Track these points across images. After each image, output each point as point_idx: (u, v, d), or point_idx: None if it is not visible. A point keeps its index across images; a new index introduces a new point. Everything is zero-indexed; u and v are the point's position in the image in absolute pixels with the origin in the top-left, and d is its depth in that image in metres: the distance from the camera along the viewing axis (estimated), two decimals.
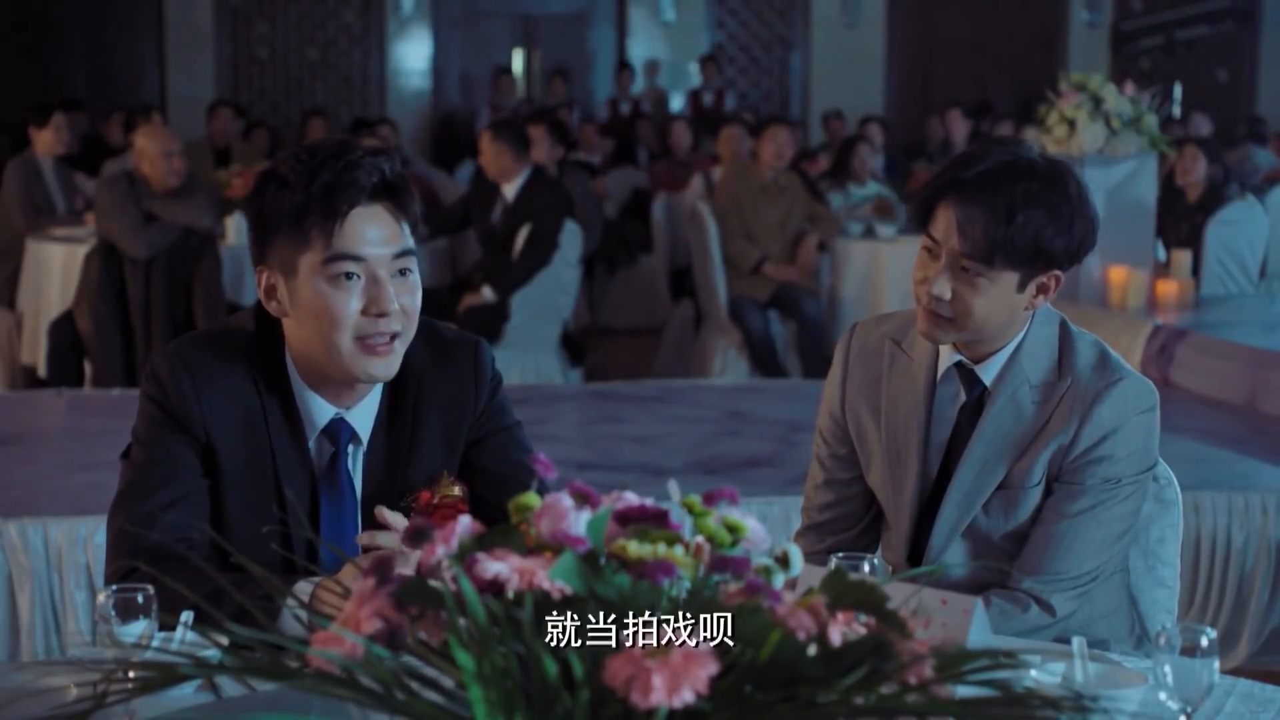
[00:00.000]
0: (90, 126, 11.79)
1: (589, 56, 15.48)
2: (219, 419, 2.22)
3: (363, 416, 2.27)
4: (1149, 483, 2.46)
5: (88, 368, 6.60)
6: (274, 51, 14.84)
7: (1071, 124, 6.66)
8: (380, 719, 1.26)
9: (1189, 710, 1.73)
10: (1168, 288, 6.83)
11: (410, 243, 2.19)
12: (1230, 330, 6.30)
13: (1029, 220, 2.26)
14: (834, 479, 2.57)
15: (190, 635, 1.73)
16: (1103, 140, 6.65)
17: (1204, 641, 1.71)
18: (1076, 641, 1.83)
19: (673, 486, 1.37)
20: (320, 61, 14.91)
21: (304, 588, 1.96)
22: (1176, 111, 12.99)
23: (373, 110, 14.46)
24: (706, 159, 10.54)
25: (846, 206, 8.69)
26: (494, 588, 1.23)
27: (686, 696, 1.14)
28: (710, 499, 1.35)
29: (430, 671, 1.26)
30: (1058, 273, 2.34)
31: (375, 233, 2.15)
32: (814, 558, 2.51)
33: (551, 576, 1.23)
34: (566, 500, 1.30)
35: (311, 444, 2.26)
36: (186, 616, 1.80)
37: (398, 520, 2.02)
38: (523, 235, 7.03)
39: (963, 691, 1.25)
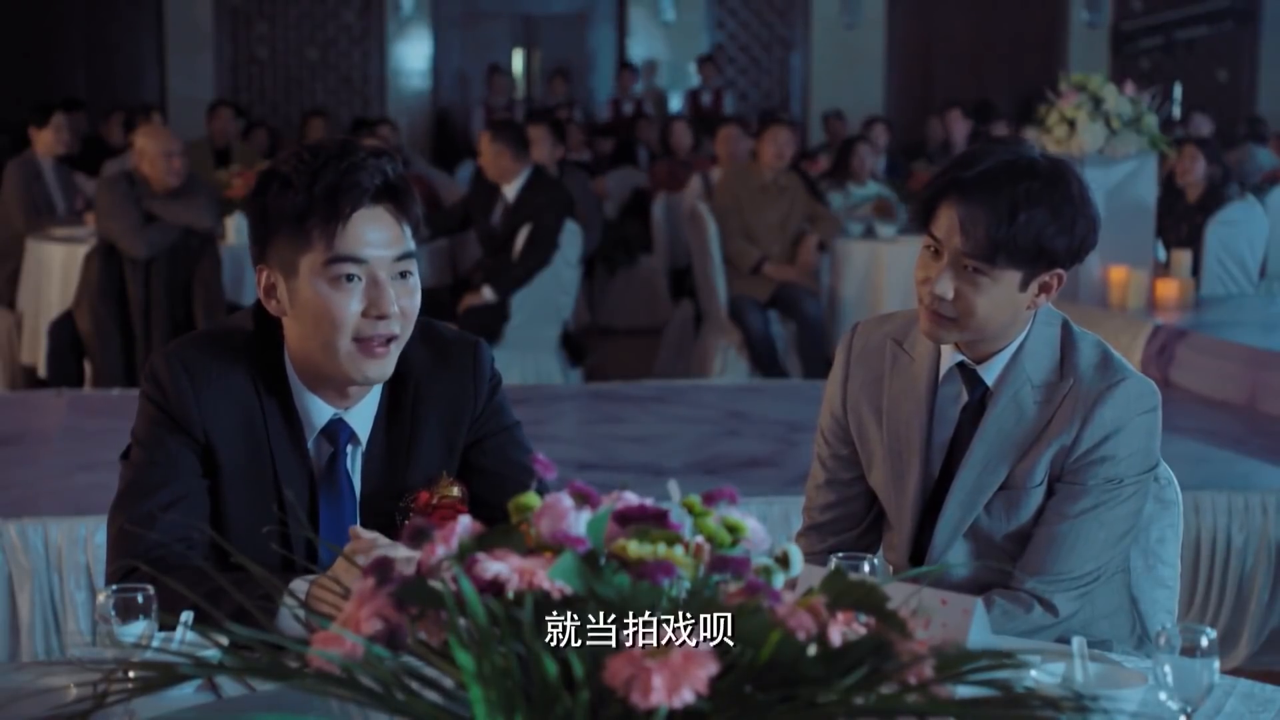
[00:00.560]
0: (90, 127, 11.79)
1: (589, 56, 15.48)
2: (218, 419, 2.22)
3: (361, 417, 2.27)
4: (1151, 483, 2.46)
5: (88, 368, 6.60)
6: (274, 51, 14.84)
7: (1071, 124, 6.66)
8: (380, 719, 1.26)
9: (1189, 710, 1.73)
10: (1168, 288, 6.83)
11: (411, 245, 2.19)
12: (1230, 330, 6.30)
13: (1031, 219, 2.26)
14: (835, 479, 2.57)
15: (190, 635, 1.74)
16: (1103, 140, 6.65)
17: (1204, 641, 1.71)
18: (1076, 641, 1.83)
19: (673, 486, 1.37)
20: (320, 61, 14.91)
21: (300, 586, 1.96)
22: (1177, 112, 12.99)
23: (373, 110, 14.46)
24: (706, 159, 10.54)
25: (846, 206, 8.69)
26: (494, 588, 1.23)
27: (686, 696, 1.14)
28: (710, 499, 1.35)
29: (430, 671, 1.26)
30: (1060, 271, 2.34)
31: (377, 235, 2.15)
32: (815, 558, 2.51)
33: (551, 576, 1.23)
34: (566, 500, 1.30)
35: (310, 444, 2.26)
36: (186, 616, 1.80)
37: (375, 537, 2.01)
38: (523, 235, 7.03)
39: (963, 691, 1.25)
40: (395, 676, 1.23)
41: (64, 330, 6.62)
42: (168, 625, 1.80)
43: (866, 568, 1.91)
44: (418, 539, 1.31)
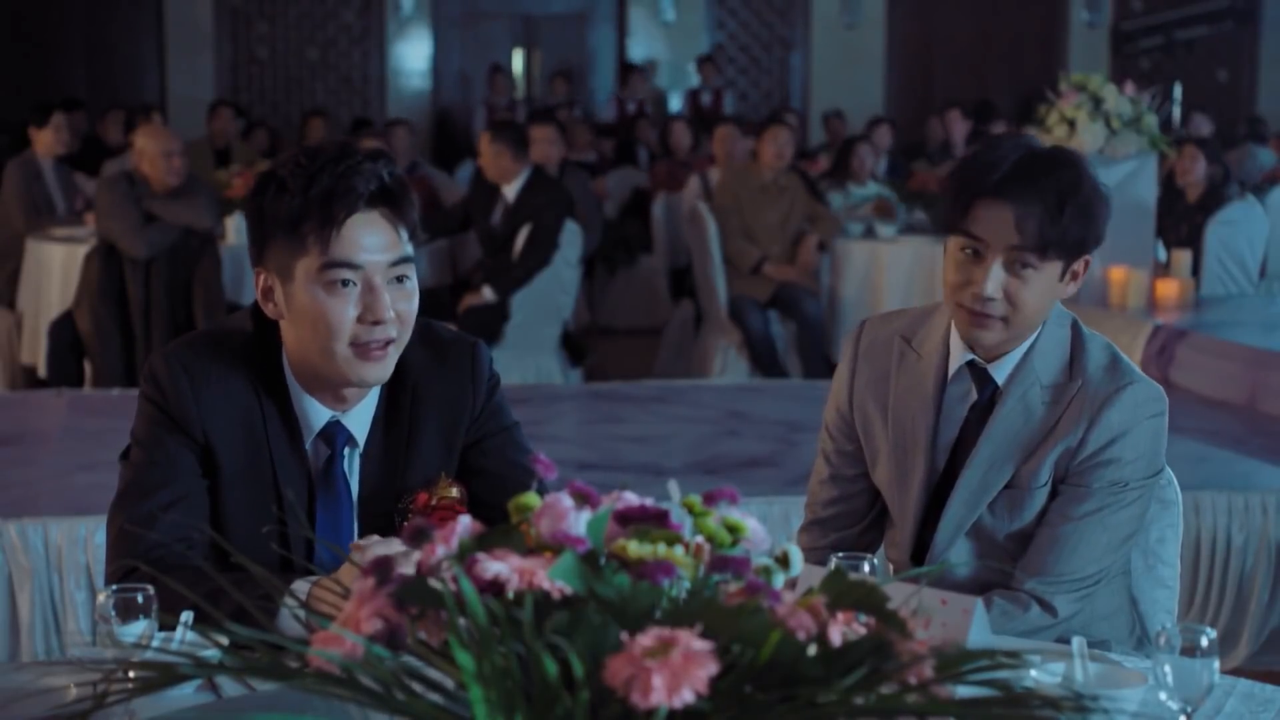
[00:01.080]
0: (89, 127, 11.78)
1: (589, 56, 15.48)
2: (217, 420, 2.22)
3: (359, 419, 2.27)
4: (1155, 488, 2.46)
5: (88, 368, 6.60)
6: (274, 51, 14.84)
7: (1071, 124, 6.65)
8: (380, 719, 1.26)
9: (1189, 710, 1.73)
10: (1168, 288, 6.83)
11: (408, 250, 2.18)
12: (1230, 330, 6.30)
13: (1075, 208, 2.29)
14: (839, 474, 2.57)
15: (190, 635, 1.74)
16: (1103, 140, 6.65)
17: (1204, 641, 1.71)
18: (1076, 641, 1.83)
19: (673, 486, 1.37)
20: (320, 61, 14.91)
21: (301, 587, 1.96)
22: (1177, 112, 12.99)
23: (373, 110, 14.47)
24: (706, 159, 10.55)
25: (846, 206, 8.69)
26: (494, 588, 1.23)
27: (686, 696, 1.13)
28: (710, 499, 1.35)
29: (431, 672, 1.26)
30: (1088, 257, 2.36)
31: (372, 240, 2.14)
32: (817, 553, 2.51)
33: (551, 576, 1.23)
34: (566, 500, 1.30)
35: (308, 446, 2.26)
36: (186, 616, 1.80)
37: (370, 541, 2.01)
38: (523, 235, 7.03)
39: (963, 691, 1.25)
40: (395, 676, 1.23)
41: (64, 330, 6.62)
42: (168, 625, 1.80)
43: (866, 568, 1.91)
44: (418, 539, 1.31)
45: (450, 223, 7.73)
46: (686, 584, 1.28)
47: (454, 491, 2.21)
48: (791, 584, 1.36)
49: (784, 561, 1.35)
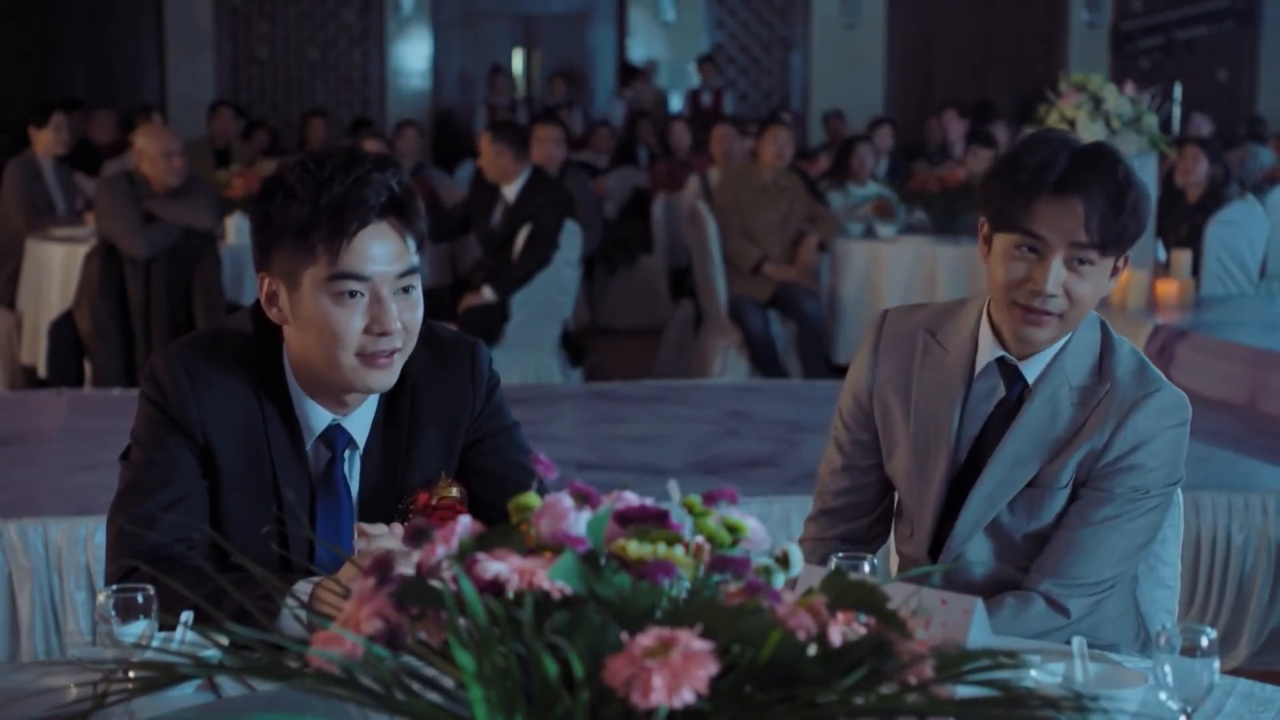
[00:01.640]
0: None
1: (589, 56, 15.49)
2: (217, 421, 2.22)
3: (359, 422, 2.27)
4: (1172, 496, 2.46)
5: (88, 368, 6.60)
6: (274, 51, 14.85)
7: (1071, 124, 6.65)
8: (380, 719, 1.26)
9: (1189, 710, 1.73)
10: (1168, 288, 6.83)
11: (415, 260, 2.18)
12: (1230, 330, 6.29)
13: (1134, 203, 2.30)
14: (853, 465, 2.56)
15: (190, 635, 1.74)
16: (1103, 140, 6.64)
17: (1204, 641, 1.71)
18: (1076, 641, 1.83)
19: (673, 486, 1.37)
20: (320, 61, 14.92)
21: (303, 588, 1.96)
22: (1177, 112, 12.99)
23: (373, 110, 14.47)
24: (706, 159, 10.56)
25: (846, 206, 8.69)
26: (494, 588, 1.23)
27: (686, 696, 1.13)
28: (710, 499, 1.35)
29: (430, 671, 1.26)
30: (1128, 253, 2.37)
31: (381, 251, 2.14)
32: (825, 544, 2.51)
33: (551, 576, 1.23)
34: (566, 500, 1.30)
35: (309, 448, 2.26)
36: (186, 616, 1.80)
37: (376, 530, 2.02)
38: (523, 235, 7.03)
39: (963, 691, 1.25)
40: (395, 676, 1.23)
41: (64, 330, 6.62)
42: (168, 625, 1.80)
43: (866, 568, 1.91)
44: (418, 539, 1.31)
45: (451, 224, 7.73)
46: (686, 584, 1.28)
47: (454, 491, 2.21)
48: (791, 584, 1.36)
49: (784, 561, 1.35)
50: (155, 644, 1.71)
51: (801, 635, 1.22)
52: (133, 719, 1.76)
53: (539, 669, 1.16)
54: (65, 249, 7.23)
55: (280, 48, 14.85)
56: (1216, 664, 1.72)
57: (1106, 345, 2.42)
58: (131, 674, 1.36)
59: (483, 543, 1.28)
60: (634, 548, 1.27)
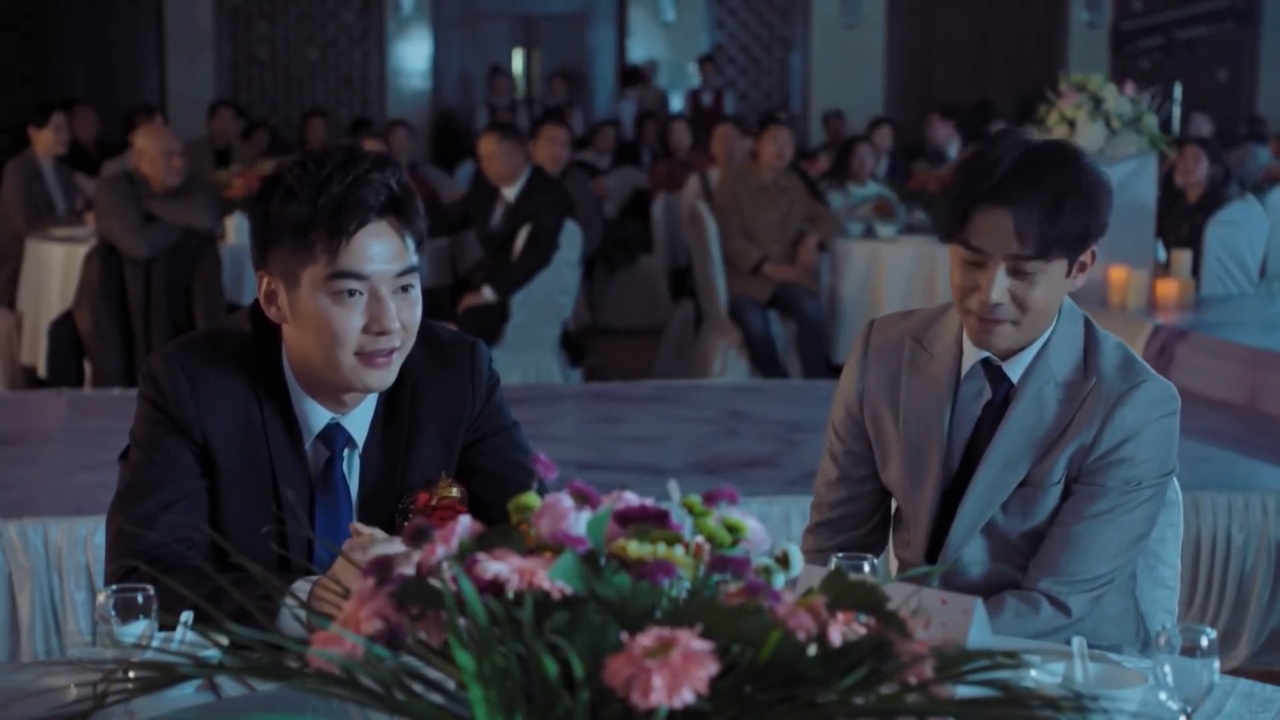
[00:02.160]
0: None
1: (589, 57, 15.49)
2: (216, 421, 2.22)
3: (358, 421, 2.27)
4: (1167, 488, 2.46)
5: (88, 368, 6.60)
6: (274, 51, 14.84)
7: (1071, 124, 6.65)
8: (380, 719, 1.26)
9: (1189, 710, 1.73)
10: (1168, 288, 6.82)
11: (414, 260, 2.18)
12: (1230, 330, 6.30)
13: (1074, 205, 2.27)
14: (848, 475, 2.56)
15: (190, 635, 1.74)
16: (1103, 140, 6.64)
17: (1204, 641, 1.71)
18: (1076, 641, 1.83)
19: (673, 486, 1.37)
20: (320, 61, 14.92)
21: (302, 587, 1.96)
22: (1177, 112, 12.99)
23: (373, 110, 14.47)
24: (706, 159, 10.56)
25: (846, 206, 8.69)
26: (494, 588, 1.23)
27: (686, 696, 1.13)
28: (710, 499, 1.35)
29: (431, 672, 1.26)
30: (1094, 248, 2.35)
31: (380, 250, 2.14)
32: (824, 555, 2.50)
33: (551, 576, 1.23)
34: (566, 500, 1.30)
35: (308, 447, 2.26)
36: (186, 616, 1.80)
37: (374, 532, 2.01)
38: (523, 235, 7.03)
39: (963, 691, 1.25)
40: (395, 676, 1.23)
41: (64, 330, 6.61)
42: (168, 625, 1.80)
43: (866, 568, 1.91)
44: (418, 539, 1.31)
45: (449, 220, 7.72)
46: (686, 584, 1.28)
47: (454, 491, 2.21)
48: (792, 584, 1.36)
49: (784, 561, 1.35)
50: (155, 644, 1.71)
51: (801, 635, 1.22)
52: (133, 719, 1.76)
53: (539, 669, 1.16)
54: (65, 249, 7.23)
55: (280, 48, 14.85)
56: (1216, 664, 1.72)
57: (1090, 340, 2.42)
58: (131, 674, 1.36)
59: (483, 543, 1.28)
60: (634, 548, 1.27)
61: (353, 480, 2.27)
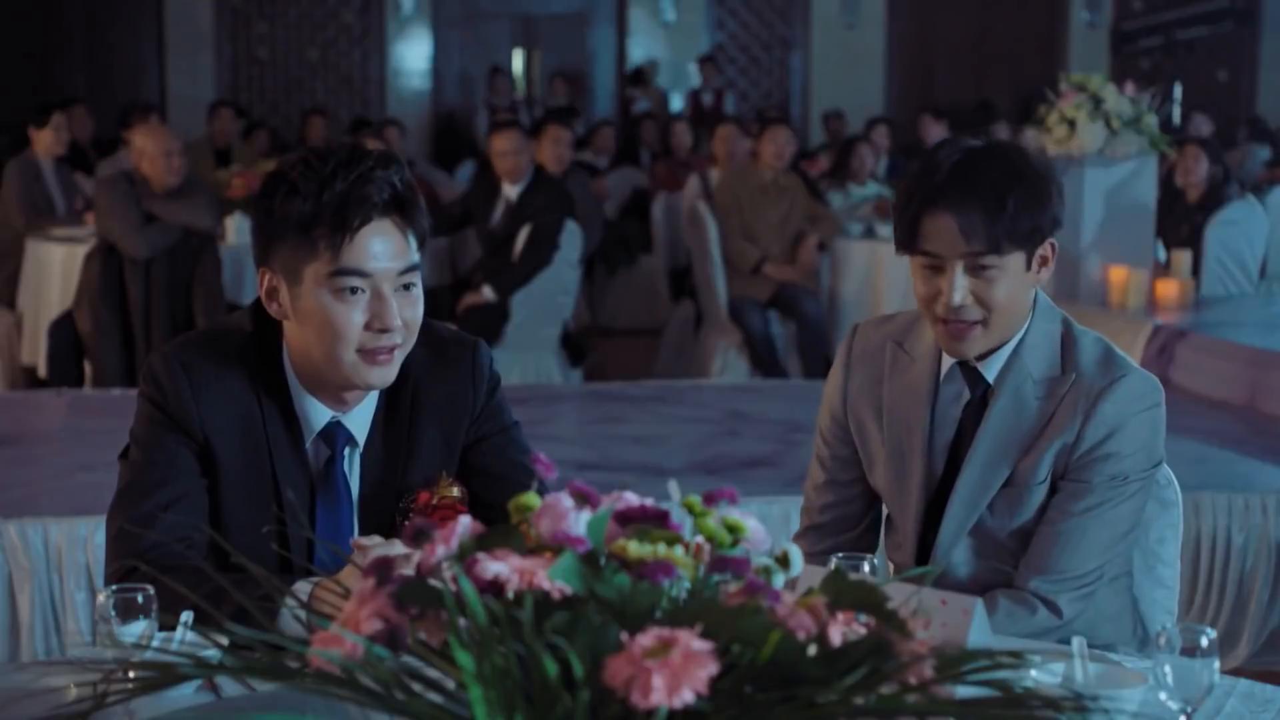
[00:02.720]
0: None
1: (589, 57, 15.49)
2: (217, 420, 2.22)
3: (359, 419, 2.27)
4: (1154, 481, 2.46)
5: (88, 368, 6.60)
6: (274, 51, 14.85)
7: (1071, 124, 6.65)
8: (380, 719, 1.26)
9: (1189, 710, 1.73)
10: (1168, 288, 6.82)
11: (416, 258, 2.19)
12: (1230, 330, 6.29)
13: (1018, 198, 2.28)
14: (835, 480, 2.57)
15: (190, 635, 1.74)
16: (1103, 141, 6.64)
17: (1204, 641, 1.71)
18: (1076, 641, 1.83)
19: (673, 486, 1.37)
20: (320, 61, 14.92)
21: (303, 588, 1.96)
22: (1177, 112, 12.99)
23: (373, 110, 14.47)
24: (706, 159, 10.56)
25: (846, 206, 8.69)
26: (494, 588, 1.23)
27: (686, 696, 1.13)
28: (710, 499, 1.35)
29: (431, 672, 1.26)
30: (1051, 241, 2.36)
31: (383, 247, 2.15)
32: (815, 559, 2.51)
33: (551, 576, 1.23)
34: (566, 500, 1.30)
35: (308, 446, 2.26)
36: (186, 616, 1.80)
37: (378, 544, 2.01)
38: (523, 235, 7.03)
39: (963, 691, 1.25)
40: (395, 676, 1.23)
41: (64, 330, 6.61)
42: (168, 625, 1.80)
43: (866, 568, 1.91)
44: (418, 539, 1.31)
45: (449, 219, 7.71)
46: (686, 584, 1.28)
47: (455, 491, 2.21)
48: (791, 584, 1.36)
49: (784, 561, 1.35)
50: (155, 644, 1.71)
51: (801, 635, 1.22)
52: (133, 719, 1.76)
53: (539, 669, 1.16)
54: (65, 249, 7.23)
55: (280, 48, 14.85)
56: (1216, 664, 1.72)
57: (1068, 338, 2.42)
58: (131, 674, 1.36)
59: (483, 543, 1.28)
60: (634, 548, 1.27)
61: (353, 479, 2.27)
